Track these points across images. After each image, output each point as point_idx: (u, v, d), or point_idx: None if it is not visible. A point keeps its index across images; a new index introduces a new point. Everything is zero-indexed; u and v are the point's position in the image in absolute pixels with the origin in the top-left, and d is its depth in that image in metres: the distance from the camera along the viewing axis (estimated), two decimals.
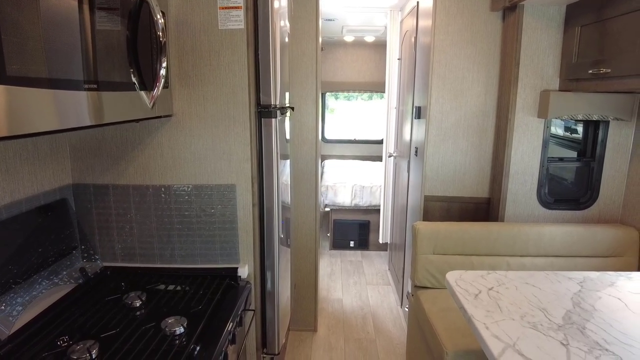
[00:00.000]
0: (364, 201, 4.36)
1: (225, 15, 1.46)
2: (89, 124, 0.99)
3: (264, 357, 1.80)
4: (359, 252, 4.40)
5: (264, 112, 1.62)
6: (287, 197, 2.28)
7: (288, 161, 2.29)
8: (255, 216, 1.64)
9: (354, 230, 4.44)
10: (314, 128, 2.66)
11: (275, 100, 1.63)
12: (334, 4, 3.56)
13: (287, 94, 2.12)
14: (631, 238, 2.22)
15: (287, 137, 2.17)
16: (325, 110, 6.32)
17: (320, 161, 2.84)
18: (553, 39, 2.25)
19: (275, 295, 1.72)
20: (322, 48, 2.92)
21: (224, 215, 1.61)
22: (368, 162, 5.90)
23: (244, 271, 1.61)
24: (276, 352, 1.77)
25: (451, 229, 2.23)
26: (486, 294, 1.51)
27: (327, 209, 4.49)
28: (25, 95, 0.77)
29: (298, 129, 2.67)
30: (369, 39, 5.57)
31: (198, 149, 1.58)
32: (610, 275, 1.71)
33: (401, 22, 3.54)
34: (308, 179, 2.72)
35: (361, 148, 6.32)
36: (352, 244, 4.45)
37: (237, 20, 1.47)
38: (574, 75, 2.14)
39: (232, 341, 1.31)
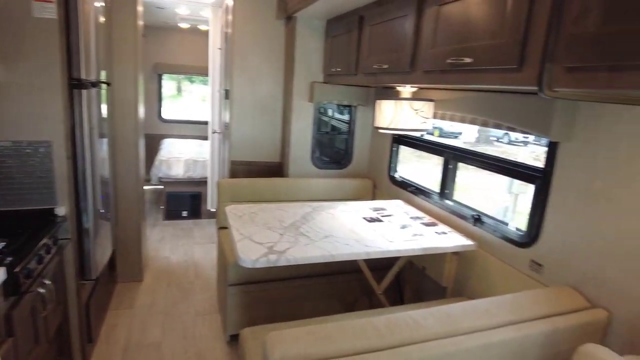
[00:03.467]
0: (197, 173, 4.87)
1: (39, 6, 1.83)
2: None
3: (83, 284, 2.22)
4: (191, 221, 4.90)
5: (75, 84, 2.02)
6: (106, 172, 2.59)
7: (105, 140, 2.59)
8: (70, 167, 2.04)
9: (186, 201, 4.91)
10: (134, 104, 3.03)
11: (85, 75, 2.05)
12: None
13: (103, 72, 2.50)
14: (369, 186, 3.26)
15: (104, 114, 2.53)
16: (162, 90, 6.52)
17: (142, 136, 3.23)
18: (318, 44, 3.12)
19: (90, 231, 2.15)
20: (143, 35, 3.31)
21: (42, 164, 1.97)
22: (206, 141, 6.36)
23: (61, 210, 2.01)
24: (93, 278, 2.22)
25: (245, 183, 2.95)
26: (248, 215, 2.24)
27: (161, 184, 4.85)
28: None
29: (120, 105, 3.00)
30: (203, 27, 5.99)
31: (20, 110, 1.90)
32: (337, 203, 2.62)
33: (220, 17, 4.12)
34: (130, 150, 3.09)
35: (200, 128, 6.74)
36: (184, 214, 4.91)
37: (50, 12, 1.85)
38: (328, 72, 3.04)
39: (48, 252, 1.74)
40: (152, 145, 6.21)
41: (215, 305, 3.02)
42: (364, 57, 2.39)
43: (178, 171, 4.85)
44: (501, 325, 1.40)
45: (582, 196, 1.61)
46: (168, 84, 6.81)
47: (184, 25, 5.96)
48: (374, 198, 3.23)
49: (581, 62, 1.10)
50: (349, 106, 3.31)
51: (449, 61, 1.61)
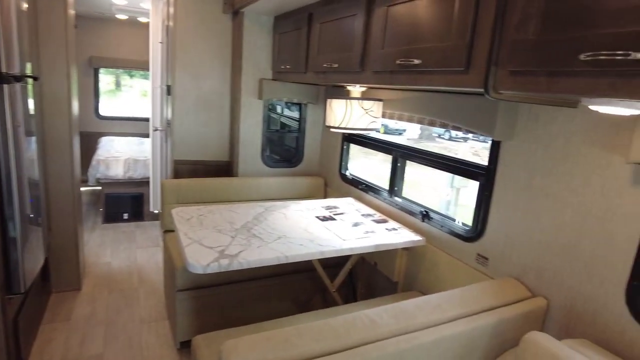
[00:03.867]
0: (137, 173, 4.60)
1: None
2: None
3: (10, 299, 2.01)
4: (133, 224, 4.63)
5: None
6: (35, 173, 2.33)
7: (34, 138, 2.34)
8: None
9: (127, 203, 4.63)
10: (66, 100, 2.79)
11: (5, 68, 1.84)
12: None
13: (28, 65, 2.27)
14: (320, 184, 3.26)
15: (31, 110, 2.28)
16: (99, 85, 6.11)
17: (77, 134, 2.99)
18: (266, 41, 3.05)
19: (18, 240, 1.95)
20: (75, 25, 3.06)
21: None
22: (147, 138, 6.05)
23: None
24: (21, 291, 2.02)
25: (191, 183, 2.83)
26: (196, 218, 2.15)
27: (99, 185, 4.55)
28: None
29: (51, 101, 2.74)
30: (143, 19, 5.68)
31: None
32: (289, 202, 2.59)
33: (162, 9, 3.91)
34: (63, 150, 2.83)
35: (141, 125, 6.40)
36: (126, 216, 4.64)
37: None
38: (277, 69, 2.99)
39: None
40: (89, 144, 5.80)
41: (163, 311, 2.88)
42: (314, 56, 2.37)
43: (117, 171, 4.56)
44: (452, 320, 1.45)
45: (523, 192, 1.70)
46: (106, 78, 6.38)
47: (121, 16, 5.61)
48: (325, 196, 3.23)
49: (523, 66, 1.15)
50: (299, 104, 3.28)
51: (398, 62, 1.63)
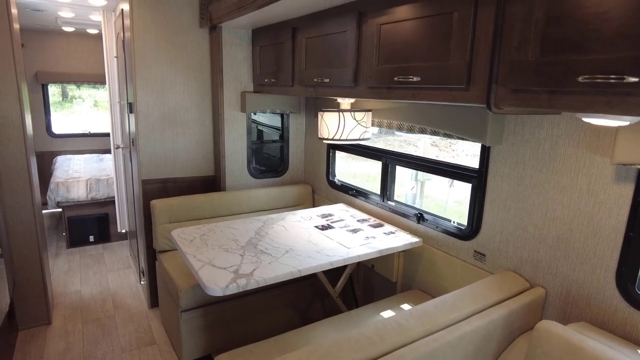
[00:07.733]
0: (100, 194, 4.41)
1: None
2: None
3: None
4: (100, 246, 4.43)
5: None
6: None
7: None
8: None
9: (92, 225, 4.42)
10: (19, 124, 2.58)
11: None
12: None
13: None
14: (308, 192, 3.31)
15: None
16: (49, 102, 5.76)
17: (33, 158, 2.79)
18: (245, 54, 3.05)
19: None
20: (22, 44, 2.88)
21: None
22: (107, 155, 5.80)
23: None
24: None
25: (181, 202, 2.79)
26: (199, 239, 2.13)
27: (59, 208, 4.32)
28: None
29: (2, 127, 2.54)
30: (92, 31, 5.42)
31: None
32: (284, 214, 2.63)
33: (115, 22, 3.75)
34: (20, 176, 2.65)
35: (98, 142, 6.11)
36: (92, 238, 4.43)
37: None
38: (259, 82, 3.00)
39: None
40: (43, 165, 5.49)
41: (144, 337, 2.78)
42: (301, 70, 2.41)
43: (79, 193, 4.34)
44: (469, 316, 1.57)
45: (515, 191, 1.87)
46: (50, 89, 6.01)
47: (68, 28, 5.33)
48: (314, 203, 3.29)
49: (524, 85, 1.26)
50: (282, 114, 3.31)
51: (396, 79, 1.71)
